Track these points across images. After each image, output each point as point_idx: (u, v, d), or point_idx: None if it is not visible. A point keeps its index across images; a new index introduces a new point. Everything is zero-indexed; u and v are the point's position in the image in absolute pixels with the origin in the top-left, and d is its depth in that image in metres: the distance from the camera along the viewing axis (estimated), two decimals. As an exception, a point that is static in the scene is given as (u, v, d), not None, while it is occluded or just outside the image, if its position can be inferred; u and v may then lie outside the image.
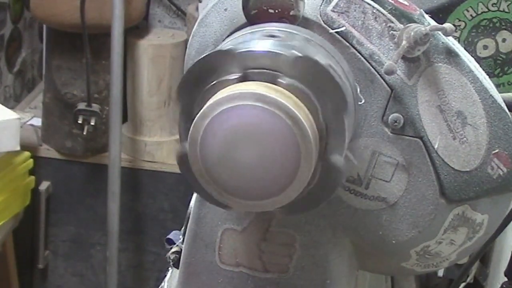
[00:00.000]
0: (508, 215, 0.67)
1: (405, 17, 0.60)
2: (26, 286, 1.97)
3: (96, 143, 1.88)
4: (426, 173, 0.61)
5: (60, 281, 2.00)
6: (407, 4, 0.61)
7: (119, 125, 1.77)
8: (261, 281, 0.65)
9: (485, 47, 0.65)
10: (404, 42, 0.58)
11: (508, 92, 0.65)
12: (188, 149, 0.52)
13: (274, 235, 0.64)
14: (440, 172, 0.61)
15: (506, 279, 0.88)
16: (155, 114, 1.88)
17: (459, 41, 0.64)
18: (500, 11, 0.64)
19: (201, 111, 0.51)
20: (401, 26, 0.59)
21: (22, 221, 1.80)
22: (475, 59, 0.63)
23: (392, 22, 0.60)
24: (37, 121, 1.94)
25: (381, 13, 0.60)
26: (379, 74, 0.60)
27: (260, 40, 0.54)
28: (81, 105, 1.82)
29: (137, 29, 1.95)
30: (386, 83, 0.60)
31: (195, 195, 0.68)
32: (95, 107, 1.82)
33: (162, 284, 0.83)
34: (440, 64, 0.60)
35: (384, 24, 0.60)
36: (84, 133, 1.82)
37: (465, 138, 0.60)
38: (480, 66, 0.63)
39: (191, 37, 0.67)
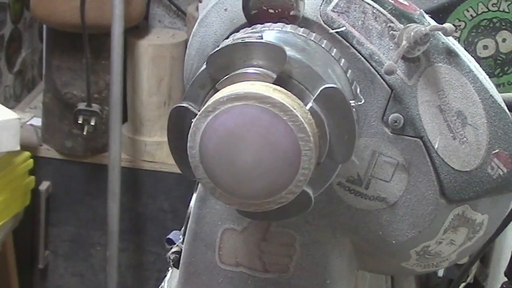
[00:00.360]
0: (508, 215, 0.67)
1: (405, 17, 0.60)
2: (26, 286, 1.97)
3: (96, 143, 1.88)
4: (426, 173, 0.61)
5: (60, 281, 2.00)
6: (407, 4, 0.61)
7: (119, 125, 1.77)
8: (261, 281, 0.65)
9: (485, 47, 0.65)
10: (404, 42, 0.58)
11: (508, 92, 0.65)
12: (188, 149, 0.52)
13: (274, 235, 0.64)
14: (440, 172, 0.61)
15: (506, 279, 0.88)
16: (155, 114, 1.88)
17: (459, 41, 0.64)
18: (500, 11, 0.64)
19: (202, 110, 0.51)
20: (401, 26, 0.59)
21: (22, 221, 1.80)
22: (475, 59, 0.63)
23: (392, 22, 0.60)
24: (37, 121, 1.94)
25: (381, 13, 0.60)
26: (379, 74, 0.60)
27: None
28: (81, 105, 1.82)
29: (137, 29, 1.95)
30: (386, 83, 0.60)
31: (195, 195, 0.68)
32: (95, 107, 1.82)
33: (162, 284, 0.83)
34: (440, 64, 0.60)
35: (384, 24, 0.60)
36: (84, 133, 1.82)
37: (465, 138, 0.60)
38: (480, 66, 0.63)
39: (191, 37, 0.67)
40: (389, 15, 0.60)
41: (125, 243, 1.92)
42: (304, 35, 0.58)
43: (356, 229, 0.63)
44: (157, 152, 1.89)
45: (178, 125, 0.55)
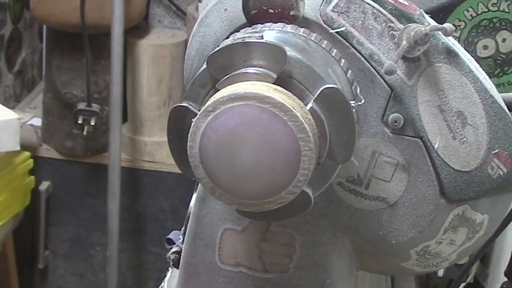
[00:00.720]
0: (508, 215, 0.67)
1: (405, 17, 0.60)
2: (26, 286, 1.97)
3: (96, 143, 1.88)
4: (426, 173, 0.61)
5: (60, 281, 2.00)
6: (407, 4, 0.61)
7: (119, 125, 1.77)
8: (261, 281, 0.65)
9: (485, 47, 0.65)
10: (404, 42, 0.58)
11: (508, 92, 0.65)
12: (188, 149, 0.52)
13: (274, 235, 0.64)
14: (440, 172, 0.61)
15: (506, 279, 0.88)
16: (155, 114, 1.88)
17: (459, 41, 0.64)
18: (500, 11, 0.64)
19: (202, 109, 0.51)
20: (401, 26, 0.59)
21: (22, 221, 1.80)
22: (475, 59, 0.63)
23: (392, 22, 0.60)
24: (37, 121, 1.94)
25: (381, 13, 0.60)
26: (379, 74, 0.60)
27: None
28: (81, 105, 1.82)
29: (137, 29, 1.95)
30: (386, 83, 0.60)
31: (195, 195, 0.68)
32: (95, 107, 1.82)
33: (162, 284, 0.83)
34: (440, 64, 0.60)
35: (384, 24, 0.60)
36: (84, 133, 1.82)
37: (465, 138, 0.60)
38: (480, 66, 0.63)
39: (191, 37, 0.67)
40: (389, 15, 0.60)
41: (125, 243, 1.92)
42: (304, 35, 0.58)
43: (356, 229, 0.63)
44: (157, 152, 1.89)
45: (178, 125, 0.55)
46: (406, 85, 0.60)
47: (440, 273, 1.66)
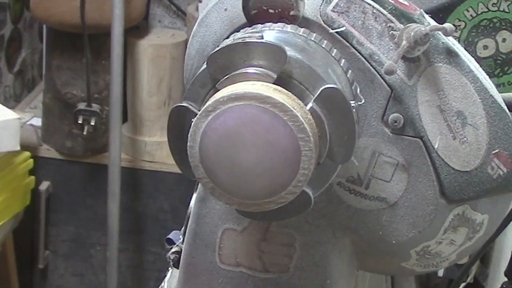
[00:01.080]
0: (508, 215, 0.67)
1: (405, 17, 0.60)
2: (26, 286, 1.97)
3: (96, 143, 1.88)
4: (426, 173, 0.61)
5: (60, 281, 2.00)
6: (407, 4, 0.61)
7: (119, 125, 1.77)
8: (261, 281, 0.65)
9: (485, 47, 0.65)
10: (404, 42, 0.58)
11: (508, 92, 0.65)
12: (188, 149, 0.52)
13: (274, 235, 0.64)
14: (440, 172, 0.61)
15: (506, 279, 0.88)
16: (155, 114, 1.88)
17: (459, 41, 0.64)
18: (500, 11, 0.64)
19: (202, 109, 0.51)
20: (401, 26, 0.59)
21: (22, 221, 1.80)
22: (475, 59, 0.63)
23: (392, 22, 0.60)
24: (37, 121, 1.94)
25: (381, 13, 0.60)
26: (379, 74, 0.60)
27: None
28: (81, 105, 1.82)
29: (137, 29, 1.95)
30: (386, 83, 0.60)
31: (195, 195, 0.68)
32: (95, 107, 1.82)
33: (162, 284, 0.83)
34: (440, 64, 0.60)
35: (384, 24, 0.60)
36: (84, 133, 1.82)
37: (465, 138, 0.60)
38: (480, 66, 0.63)
39: (191, 37, 0.67)
40: (389, 15, 0.60)
41: (125, 243, 1.92)
42: (305, 35, 0.58)
43: (356, 229, 0.63)
44: (157, 152, 1.90)
45: (178, 125, 0.55)
46: (406, 85, 0.60)
47: (440, 273, 1.66)
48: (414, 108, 0.60)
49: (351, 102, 0.54)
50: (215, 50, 0.53)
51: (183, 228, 0.77)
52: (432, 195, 0.62)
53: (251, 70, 0.52)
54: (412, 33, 0.57)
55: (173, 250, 0.78)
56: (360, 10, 0.60)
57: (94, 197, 1.91)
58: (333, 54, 0.58)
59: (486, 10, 0.64)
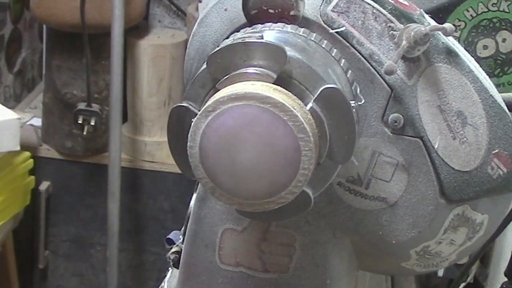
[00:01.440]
0: (508, 215, 0.67)
1: (405, 17, 0.60)
2: (26, 286, 1.97)
3: (96, 143, 1.88)
4: (426, 173, 0.61)
5: (60, 281, 2.00)
6: (407, 4, 0.61)
7: (119, 125, 1.77)
8: (261, 281, 0.65)
9: (485, 47, 0.65)
10: (404, 42, 0.58)
11: (508, 92, 0.65)
12: (188, 149, 0.52)
13: (274, 235, 0.64)
14: (440, 172, 0.61)
15: (506, 279, 0.88)
16: (155, 114, 1.88)
17: (459, 41, 0.64)
18: (500, 11, 0.64)
19: (202, 109, 0.51)
20: (401, 26, 0.59)
21: (22, 221, 1.80)
22: (475, 59, 0.63)
23: (392, 22, 0.60)
24: (37, 121, 1.94)
25: (381, 13, 0.60)
26: (379, 74, 0.60)
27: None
28: (81, 105, 1.82)
29: (137, 29, 1.95)
30: (386, 83, 0.60)
31: (195, 195, 0.68)
32: (95, 107, 1.82)
33: (162, 284, 0.83)
34: (440, 64, 0.60)
35: (384, 24, 0.60)
36: (84, 133, 1.82)
37: (465, 138, 0.60)
38: (480, 66, 0.63)
39: (191, 37, 0.67)
40: (389, 15, 0.60)
41: (125, 243, 1.92)
42: (305, 35, 0.58)
43: (356, 229, 0.63)
44: (157, 152, 1.89)
45: (178, 125, 0.55)
46: (406, 85, 0.60)
47: (440, 273, 1.66)
48: (414, 108, 0.60)
49: (351, 102, 0.54)
50: (215, 50, 0.53)
51: (183, 228, 0.77)
52: (432, 195, 0.62)
53: (251, 70, 0.52)
54: (412, 33, 0.58)
55: (173, 250, 0.78)
56: (360, 10, 0.60)
57: (94, 197, 1.91)
58: (333, 54, 0.58)
59: (486, 10, 0.64)
